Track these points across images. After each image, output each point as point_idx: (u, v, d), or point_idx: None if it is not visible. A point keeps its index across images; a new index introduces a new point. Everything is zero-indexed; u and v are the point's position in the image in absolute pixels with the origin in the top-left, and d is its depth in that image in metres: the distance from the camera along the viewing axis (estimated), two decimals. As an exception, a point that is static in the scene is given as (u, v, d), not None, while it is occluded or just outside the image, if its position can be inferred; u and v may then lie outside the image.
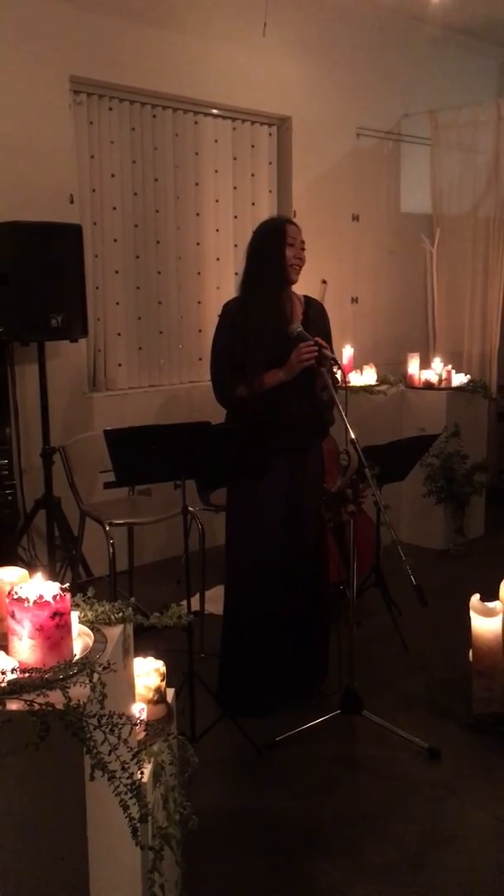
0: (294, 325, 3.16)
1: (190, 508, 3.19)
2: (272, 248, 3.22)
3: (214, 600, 3.99)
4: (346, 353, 5.32)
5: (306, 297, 3.41)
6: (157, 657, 2.09)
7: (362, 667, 3.23)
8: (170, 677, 2.14)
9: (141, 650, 1.95)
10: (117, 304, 4.97)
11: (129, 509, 4.11)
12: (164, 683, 2.09)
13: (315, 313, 3.38)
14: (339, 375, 3.27)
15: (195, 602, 3.70)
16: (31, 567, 2.00)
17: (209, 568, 4.07)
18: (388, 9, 5.79)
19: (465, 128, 6.00)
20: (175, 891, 2.11)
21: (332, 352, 3.21)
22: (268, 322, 3.18)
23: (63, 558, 4.29)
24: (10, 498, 3.64)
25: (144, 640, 1.93)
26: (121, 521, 3.87)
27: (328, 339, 3.33)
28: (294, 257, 3.24)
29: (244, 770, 2.99)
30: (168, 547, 5.01)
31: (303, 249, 3.29)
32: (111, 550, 3.69)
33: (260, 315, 3.19)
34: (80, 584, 3.96)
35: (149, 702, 2.02)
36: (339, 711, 3.12)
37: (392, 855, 2.53)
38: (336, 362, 3.15)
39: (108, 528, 3.73)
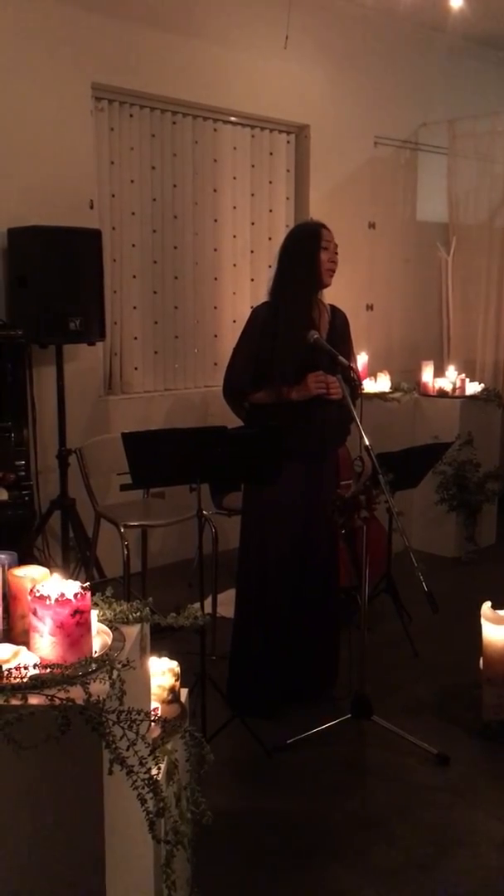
0: (311, 332, 3.15)
1: (204, 512, 3.22)
2: (307, 251, 3.21)
3: (226, 604, 4.01)
4: (361, 360, 5.34)
5: (332, 307, 3.41)
6: (170, 658, 2.12)
7: (372, 672, 3.25)
8: (181, 679, 2.17)
9: (154, 651, 1.98)
10: (134, 308, 5.01)
11: (144, 512, 4.15)
12: (178, 683, 2.11)
13: (340, 323, 3.39)
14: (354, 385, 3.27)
15: (207, 605, 3.72)
16: (45, 567, 2.02)
17: (222, 571, 4.09)
18: (408, 19, 5.82)
19: (483, 137, 6.03)
20: (185, 888, 2.14)
21: (355, 360, 3.21)
22: (296, 329, 3.16)
23: (77, 559, 4.33)
24: (26, 498, 3.67)
25: (156, 642, 1.96)
26: (135, 523, 3.91)
27: (348, 349, 3.35)
28: (328, 261, 3.23)
29: (254, 772, 3.02)
30: (180, 550, 5.04)
31: (336, 253, 3.27)
32: (125, 552, 3.72)
33: (288, 322, 3.19)
34: (94, 584, 3.99)
35: (163, 701, 2.05)
36: (349, 716, 3.15)
37: (400, 859, 2.55)
38: (355, 376, 3.14)
39: (122, 530, 3.76)
